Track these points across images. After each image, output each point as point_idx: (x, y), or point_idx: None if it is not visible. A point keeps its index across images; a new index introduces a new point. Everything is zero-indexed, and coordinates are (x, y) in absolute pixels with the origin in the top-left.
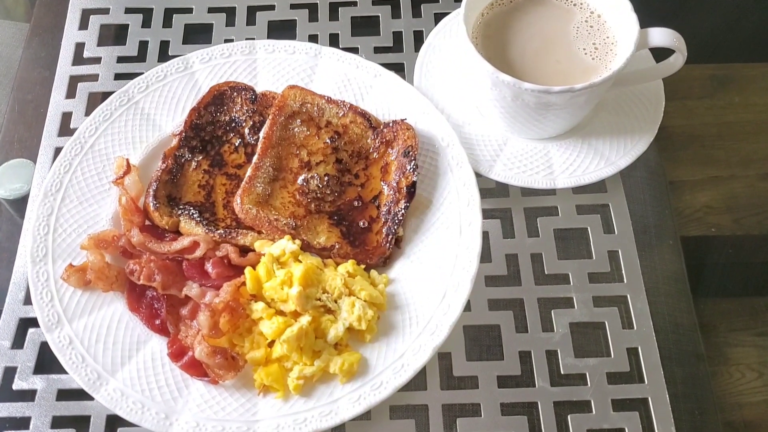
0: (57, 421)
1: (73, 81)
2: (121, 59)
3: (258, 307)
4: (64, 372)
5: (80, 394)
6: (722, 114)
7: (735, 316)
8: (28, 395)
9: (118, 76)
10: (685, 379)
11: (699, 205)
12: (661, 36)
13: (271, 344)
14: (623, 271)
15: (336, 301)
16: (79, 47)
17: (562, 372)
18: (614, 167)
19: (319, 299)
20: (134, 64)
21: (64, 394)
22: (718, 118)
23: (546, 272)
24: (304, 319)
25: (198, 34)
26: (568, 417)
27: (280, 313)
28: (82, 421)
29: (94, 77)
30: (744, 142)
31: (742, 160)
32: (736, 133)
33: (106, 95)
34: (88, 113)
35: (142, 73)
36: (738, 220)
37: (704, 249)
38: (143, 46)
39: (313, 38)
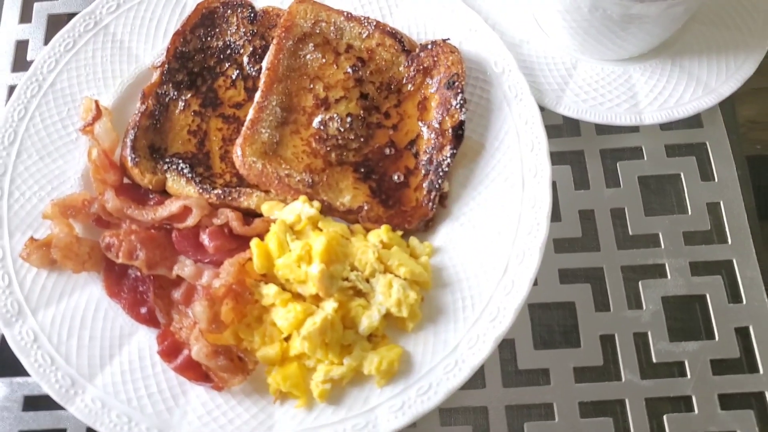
0: None
1: (29, 0)
2: None
3: (269, 291)
4: None
5: (53, 401)
6: None
7: None
8: None
9: None
10: None
11: (742, 120)
12: None
13: (287, 338)
14: (727, 229)
15: (368, 281)
16: None
17: (654, 360)
18: (715, 96)
19: (347, 279)
20: None
21: (33, 402)
22: None
23: (630, 233)
24: (329, 306)
25: None
26: (664, 418)
27: (298, 297)
28: None
29: None
30: None
31: None
32: None
33: (69, 17)
34: (47, 41)
35: None
36: None
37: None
38: None
39: None
